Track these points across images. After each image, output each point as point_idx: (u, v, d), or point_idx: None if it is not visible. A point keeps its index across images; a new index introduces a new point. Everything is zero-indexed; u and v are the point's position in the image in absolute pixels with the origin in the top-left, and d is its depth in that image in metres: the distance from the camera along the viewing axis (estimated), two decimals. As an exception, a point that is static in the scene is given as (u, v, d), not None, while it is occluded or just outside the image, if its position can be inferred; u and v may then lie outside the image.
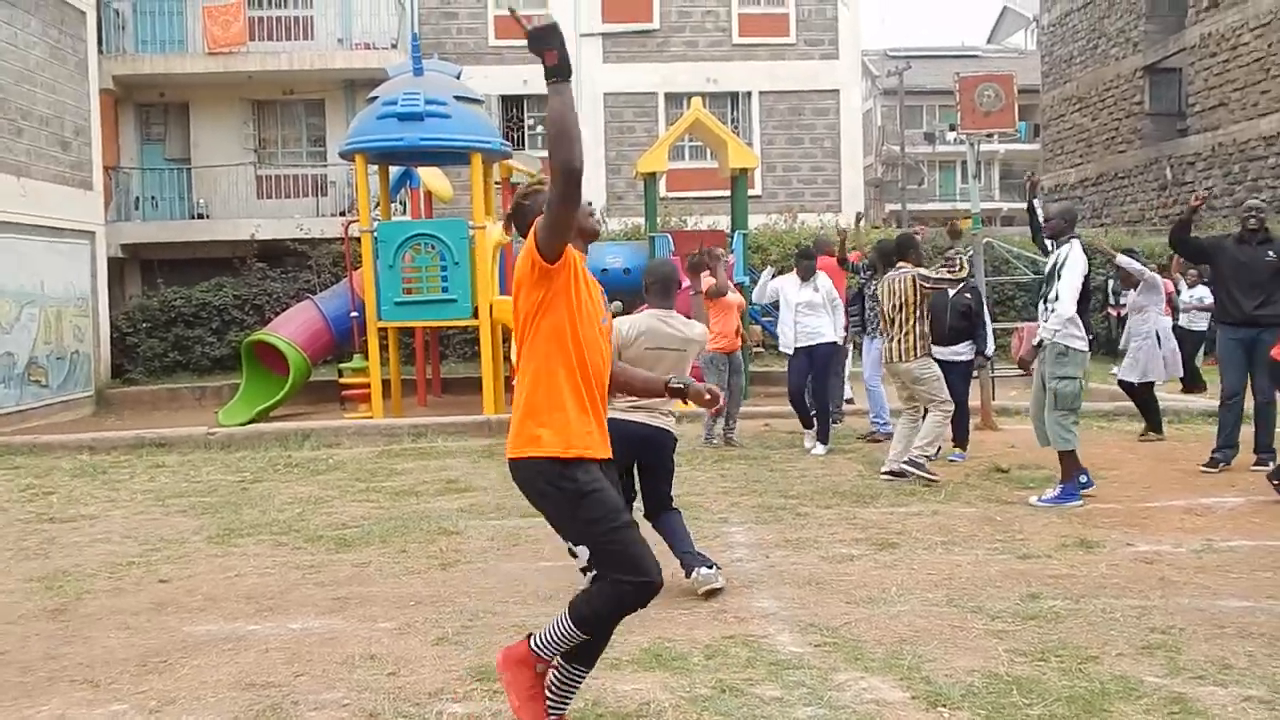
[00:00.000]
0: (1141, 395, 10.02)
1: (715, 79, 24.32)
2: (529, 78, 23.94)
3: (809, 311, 9.75)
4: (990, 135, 17.30)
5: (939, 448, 8.37)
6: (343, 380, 13.26)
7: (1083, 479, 7.44)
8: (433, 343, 15.45)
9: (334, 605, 5.36)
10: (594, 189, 24.07)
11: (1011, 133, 17.47)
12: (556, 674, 3.52)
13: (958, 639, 4.58)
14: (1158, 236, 17.71)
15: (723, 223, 17.51)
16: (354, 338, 13.19)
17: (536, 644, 3.47)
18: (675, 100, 24.02)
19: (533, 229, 3.31)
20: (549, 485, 3.40)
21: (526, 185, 3.66)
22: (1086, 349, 7.33)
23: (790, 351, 9.93)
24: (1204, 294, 12.98)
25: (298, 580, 5.87)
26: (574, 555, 3.43)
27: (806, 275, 9.87)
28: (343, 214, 18.76)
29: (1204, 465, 8.37)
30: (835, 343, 9.99)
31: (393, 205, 15.30)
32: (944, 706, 3.84)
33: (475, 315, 12.28)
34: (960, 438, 9.22)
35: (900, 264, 8.47)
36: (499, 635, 4.76)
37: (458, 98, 12.27)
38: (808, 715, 3.78)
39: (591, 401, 3.44)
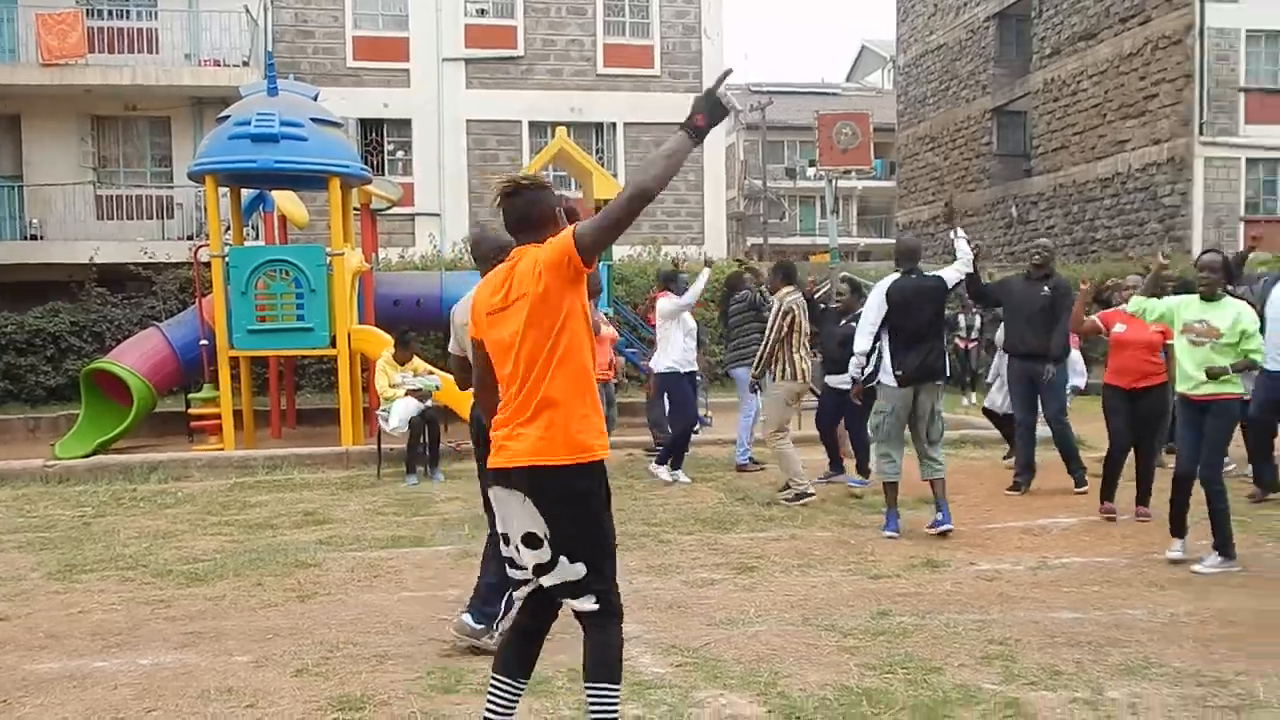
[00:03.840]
0: (1007, 423, 10.44)
1: (580, 108, 24.53)
2: (389, 101, 23.76)
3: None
4: (848, 171, 17.90)
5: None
6: (191, 411, 12.84)
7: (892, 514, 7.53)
8: (288, 372, 15.09)
9: (187, 640, 5.22)
10: (457, 217, 23.99)
11: (868, 170, 18.08)
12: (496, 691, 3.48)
13: (812, 655, 4.75)
14: (1003, 272, 18.53)
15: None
16: (203, 367, 12.79)
17: None
18: (540, 129, 24.16)
19: (571, 230, 3.26)
20: (599, 488, 3.37)
21: (522, 179, 3.51)
22: (894, 383, 7.41)
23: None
24: None
25: (147, 615, 5.69)
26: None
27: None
28: (190, 238, 18.23)
29: (1008, 489, 8.87)
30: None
31: (245, 230, 14.93)
32: (798, 719, 3.98)
33: (333, 345, 12.06)
34: (861, 464, 9.44)
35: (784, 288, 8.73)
36: (360, 666, 4.73)
37: (315, 120, 12.04)
38: (667, 732, 3.88)
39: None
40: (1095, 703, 4.13)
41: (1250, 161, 25.28)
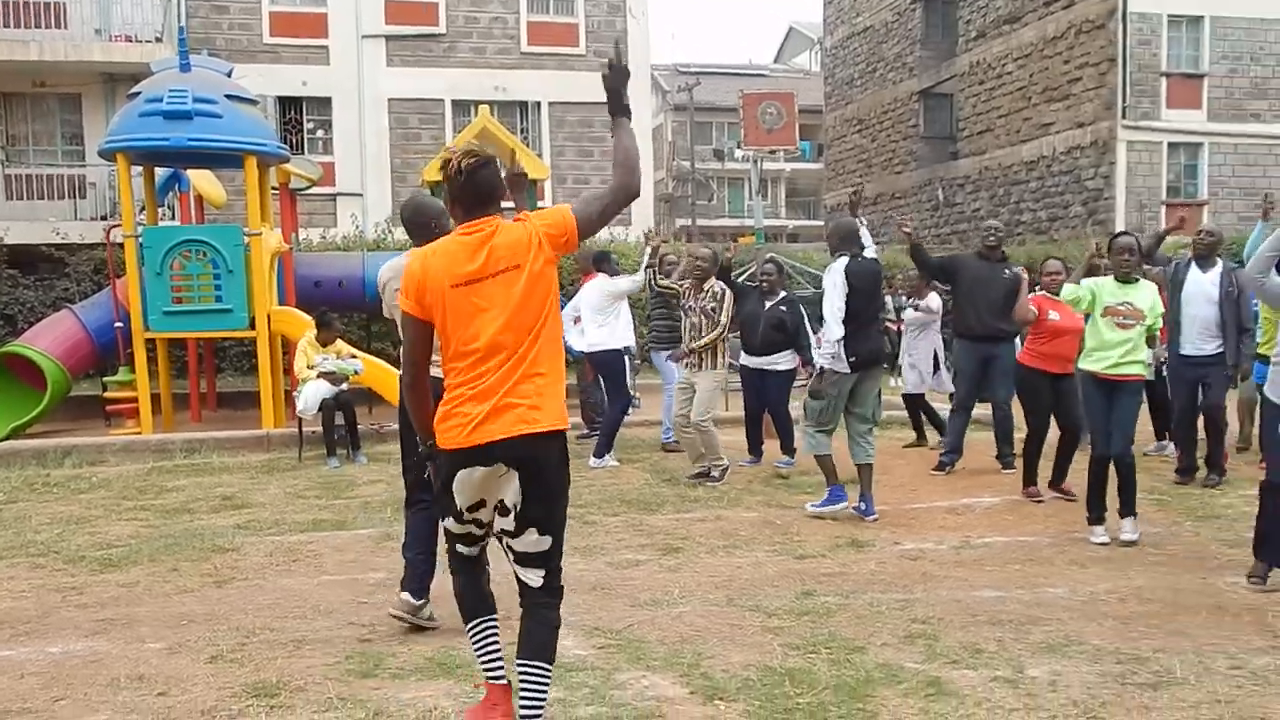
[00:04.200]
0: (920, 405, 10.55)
1: (504, 87, 24.28)
2: (308, 78, 23.27)
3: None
4: (773, 152, 17.94)
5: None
6: (107, 395, 12.52)
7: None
8: (207, 355, 14.75)
9: (98, 627, 5.08)
10: (379, 196, 23.65)
11: (793, 150, 18.13)
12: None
13: (736, 636, 4.75)
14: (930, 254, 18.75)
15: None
16: (119, 349, 12.47)
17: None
18: (463, 107, 23.83)
19: (566, 210, 3.48)
20: (565, 457, 3.51)
21: (485, 151, 3.51)
22: (845, 369, 7.19)
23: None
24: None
25: (57, 603, 5.52)
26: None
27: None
28: (104, 218, 17.69)
29: (933, 469, 8.94)
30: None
31: (160, 209, 14.52)
32: (720, 700, 3.98)
33: (252, 326, 11.81)
34: (786, 445, 9.43)
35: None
36: (277, 651, 4.63)
37: (230, 96, 11.74)
38: (589, 714, 3.84)
39: None
40: (1016, 681, 4.17)
41: (1171, 146, 25.77)
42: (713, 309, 8.58)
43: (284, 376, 12.46)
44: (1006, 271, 8.70)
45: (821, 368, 7.31)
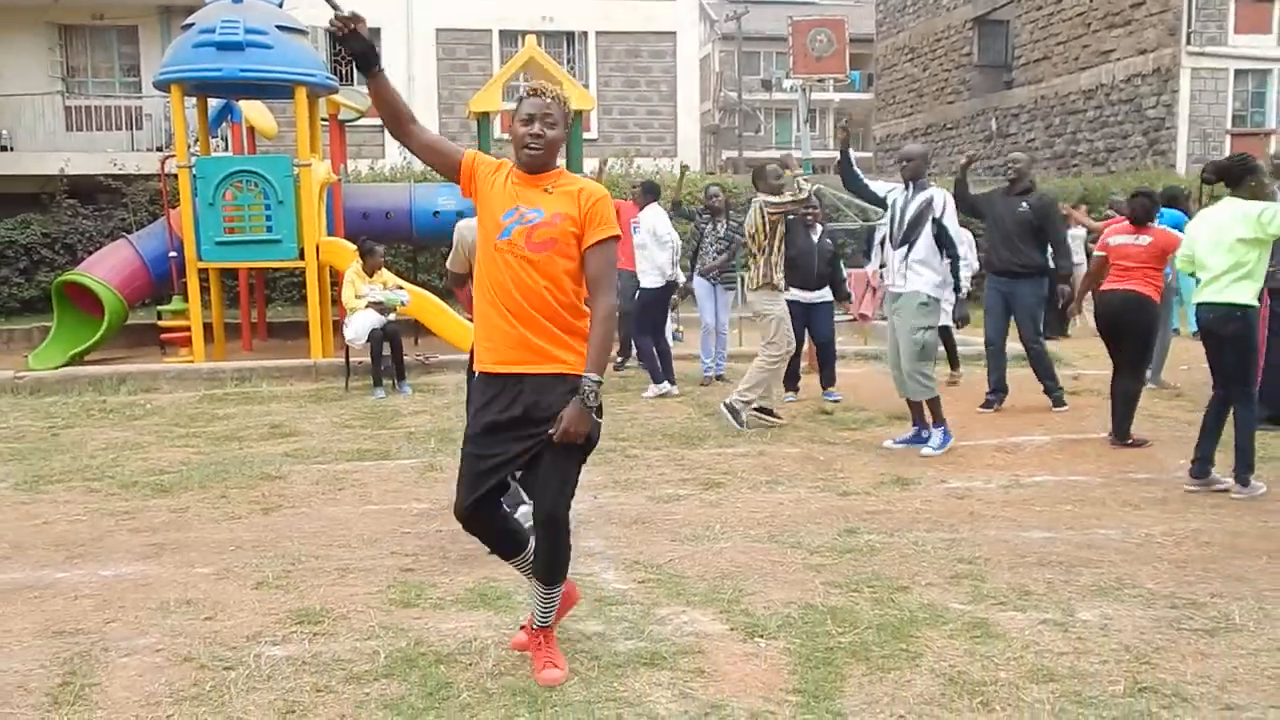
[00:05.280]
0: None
1: (551, 17, 24.00)
2: (357, 9, 23.16)
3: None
4: (822, 80, 17.59)
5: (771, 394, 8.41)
6: (162, 323, 12.68)
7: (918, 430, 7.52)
8: (258, 285, 14.87)
9: (149, 551, 5.16)
10: (428, 127, 23.51)
11: (843, 78, 17.77)
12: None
13: (777, 573, 4.71)
14: (981, 187, 18.45)
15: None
16: (173, 279, 12.59)
17: (540, 623, 3.67)
18: (510, 38, 23.62)
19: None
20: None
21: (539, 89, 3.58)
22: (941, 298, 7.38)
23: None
24: None
25: (111, 527, 5.63)
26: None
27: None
28: (160, 149, 17.76)
29: (980, 407, 8.80)
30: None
31: (213, 140, 14.59)
32: (761, 637, 3.95)
33: (301, 257, 11.86)
34: (792, 380, 9.41)
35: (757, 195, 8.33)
36: (321, 579, 4.68)
37: (281, 27, 11.70)
38: (629, 648, 3.83)
39: None
40: (1065, 624, 4.07)
41: (1239, 73, 24.85)
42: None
43: (332, 307, 12.53)
44: (1024, 206, 8.55)
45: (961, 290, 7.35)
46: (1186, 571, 4.72)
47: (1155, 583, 4.56)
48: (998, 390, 8.86)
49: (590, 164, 14.88)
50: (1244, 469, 6.09)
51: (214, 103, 13.61)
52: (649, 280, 9.88)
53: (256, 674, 3.67)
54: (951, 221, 7.22)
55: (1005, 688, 3.51)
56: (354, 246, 11.12)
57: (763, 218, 8.06)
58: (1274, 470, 6.58)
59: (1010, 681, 3.56)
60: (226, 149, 16.02)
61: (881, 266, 8.02)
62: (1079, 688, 3.51)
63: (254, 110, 14.07)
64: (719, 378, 10.29)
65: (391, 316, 10.29)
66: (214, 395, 10.11)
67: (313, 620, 4.17)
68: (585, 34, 24.56)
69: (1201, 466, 6.20)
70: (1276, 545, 5.12)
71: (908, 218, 7.28)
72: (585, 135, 16.18)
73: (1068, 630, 4.01)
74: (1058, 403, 8.68)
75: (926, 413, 7.40)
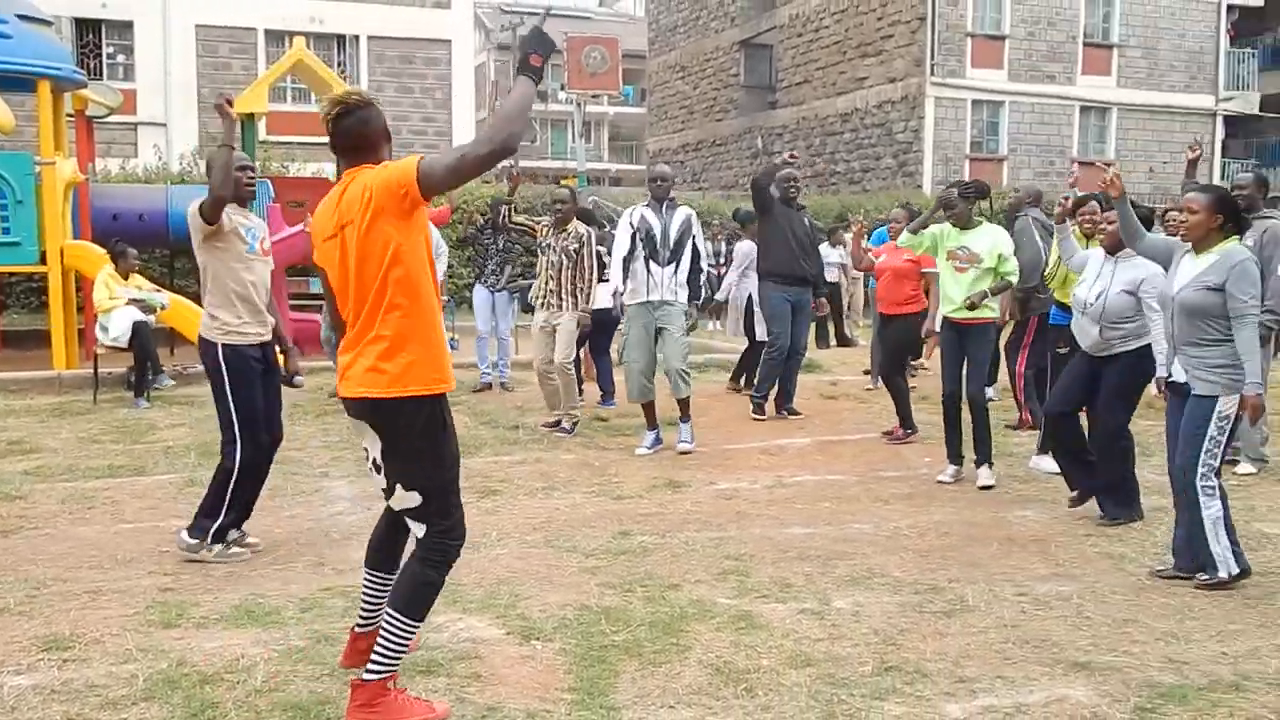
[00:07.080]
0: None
1: (321, 19, 23.40)
2: (107, 1, 21.90)
3: None
4: (597, 95, 17.90)
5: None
6: (-120, 332, 11.62)
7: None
8: (-6, 291, 13.85)
9: None
10: (185, 127, 22.49)
11: (616, 94, 18.16)
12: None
13: (553, 577, 4.77)
14: (748, 204, 19.16)
15: (328, 169, 16.91)
16: (-106, 284, 11.56)
17: (375, 670, 3.30)
18: (276, 38, 22.90)
19: (416, 161, 3.13)
20: (426, 421, 3.30)
21: (351, 97, 3.38)
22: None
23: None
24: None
25: None
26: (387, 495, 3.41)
27: None
28: (-121, 142, 16.23)
29: (753, 413, 9.02)
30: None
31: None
32: (536, 640, 4.00)
33: (43, 261, 11.08)
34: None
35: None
36: (70, 603, 4.41)
37: (21, 16, 10.93)
38: (405, 658, 3.78)
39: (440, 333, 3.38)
40: (822, 612, 4.34)
41: (975, 103, 26.99)
42: (575, 250, 8.38)
43: (78, 315, 11.76)
44: (808, 219, 9.09)
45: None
46: (929, 560, 5.10)
47: (901, 571, 4.91)
48: (762, 395, 9.11)
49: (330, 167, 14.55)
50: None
51: (-55, 95, 12.57)
52: None
53: (-2, 705, 3.43)
54: (700, 239, 7.92)
55: (767, 674, 3.71)
56: (103, 250, 10.49)
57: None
58: (1005, 466, 7.14)
59: (771, 668, 3.76)
60: (-44, 144, 14.81)
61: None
62: (833, 670, 3.76)
63: (-11, 103, 13.07)
64: (502, 385, 10.23)
65: (151, 319, 9.74)
66: (-57, 410, 9.31)
67: (61, 646, 3.92)
68: (357, 38, 24.06)
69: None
70: (1006, 533, 5.58)
71: (672, 238, 7.66)
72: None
73: (824, 618, 4.27)
74: (790, 410, 9.03)
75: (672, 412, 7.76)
